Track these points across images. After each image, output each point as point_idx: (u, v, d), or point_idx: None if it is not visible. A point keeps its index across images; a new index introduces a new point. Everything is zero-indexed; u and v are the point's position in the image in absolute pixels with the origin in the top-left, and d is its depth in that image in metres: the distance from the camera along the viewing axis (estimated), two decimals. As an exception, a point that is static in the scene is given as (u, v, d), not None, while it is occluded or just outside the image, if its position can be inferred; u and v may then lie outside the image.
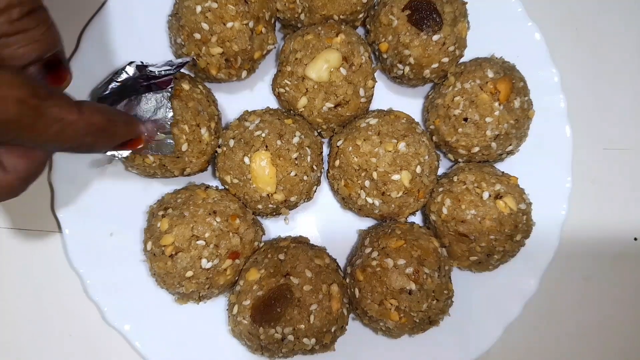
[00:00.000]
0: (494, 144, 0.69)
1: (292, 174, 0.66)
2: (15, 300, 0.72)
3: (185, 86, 0.66)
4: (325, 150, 0.74)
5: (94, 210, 0.70)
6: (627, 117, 0.84)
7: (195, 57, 0.67)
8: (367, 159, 0.66)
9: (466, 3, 0.71)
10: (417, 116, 0.75)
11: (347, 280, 0.68)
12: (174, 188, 0.70)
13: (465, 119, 0.68)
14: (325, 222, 0.75)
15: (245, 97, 0.76)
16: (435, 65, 0.69)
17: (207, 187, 0.69)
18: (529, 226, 0.69)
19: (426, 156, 0.68)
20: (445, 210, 0.68)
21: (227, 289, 0.68)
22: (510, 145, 0.71)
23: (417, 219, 0.75)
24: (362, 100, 0.70)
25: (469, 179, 0.68)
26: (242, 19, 0.65)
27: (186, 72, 0.70)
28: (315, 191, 0.71)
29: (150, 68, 0.63)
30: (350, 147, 0.67)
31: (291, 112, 0.71)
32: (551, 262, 0.73)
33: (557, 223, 0.74)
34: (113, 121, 0.50)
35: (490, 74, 0.68)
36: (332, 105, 0.68)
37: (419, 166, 0.67)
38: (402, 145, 0.66)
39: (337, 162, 0.69)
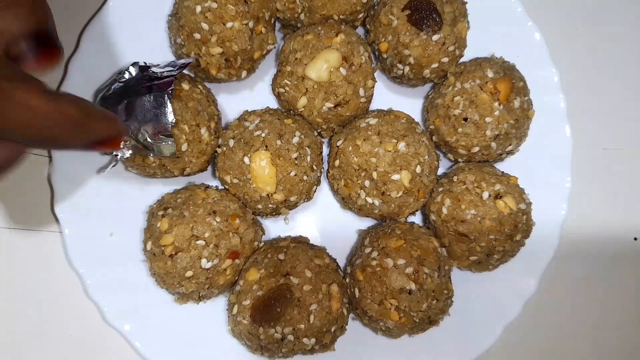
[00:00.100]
0: (493, 144, 0.69)
1: (292, 173, 0.66)
2: (15, 300, 0.72)
3: (185, 86, 0.66)
4: (325, 150, 0.74)
5: (94, 210, 0.70)
6: (627, 117, 0.84)
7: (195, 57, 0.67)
8: (367, 159, 0.66)
9: (466, 3, 0.71)
10: (417, 116, 0.75)
11: (347, 280, 0.68)
12: (173, 188, 0.70)
13: (465, 119, 0.68)
14: (325, 222, 0.75)
15: (245, 97, 0.76)
16: (435, 65, 0.69)
17: (207, 187, 0.69)
18: (528, 226, 0.69)
19: (426, 156, 0.68)
20: (445, 210, 0.67)
21: (227, 289, 0.68)
22: (510, 145, 0.71)
23: (417, 218, 0.75)
24: (362, 100, 0.70)
25: (469, 178, 0.68)
26: (241, 19, 0.65)
27: (186, 72, 0.70)
28: (315, 191, 0.71)
29: (153, 69, 0.63)
30: (350, 147, 0.67)
31: (291, 112, 0.71)
32: (551, 262, 0.73)
33: (557, 223, 0.74)
34: (90, 115, 0.46)
35: (490, 74, 0.68)
36: (332, 105, 0.68)
37: (418, 166, 0.67)
38: (402, 145, 0.66)
39: (337, 162, 0.69)
